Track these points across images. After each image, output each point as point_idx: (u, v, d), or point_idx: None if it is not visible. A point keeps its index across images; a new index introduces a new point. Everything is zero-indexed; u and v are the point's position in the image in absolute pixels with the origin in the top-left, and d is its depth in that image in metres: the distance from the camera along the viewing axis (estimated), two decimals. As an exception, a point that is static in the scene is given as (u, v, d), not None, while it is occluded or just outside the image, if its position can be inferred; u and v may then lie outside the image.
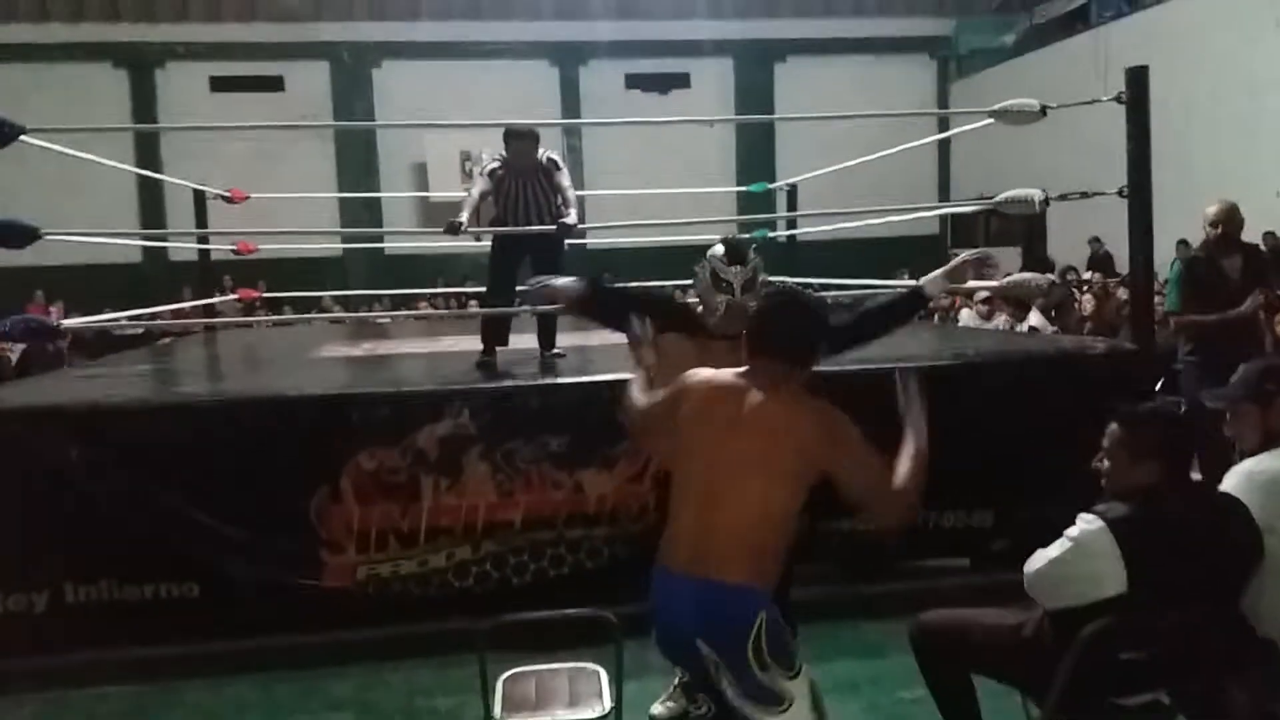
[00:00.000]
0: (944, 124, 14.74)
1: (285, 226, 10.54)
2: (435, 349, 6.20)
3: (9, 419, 3.99)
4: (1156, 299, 5.26)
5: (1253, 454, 2.46)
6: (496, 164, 4.84)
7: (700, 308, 3.12)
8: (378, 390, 4.25)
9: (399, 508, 4.06)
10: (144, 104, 15.94)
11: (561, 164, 4.88)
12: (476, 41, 16.43)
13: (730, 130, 17.25)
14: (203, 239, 7.72)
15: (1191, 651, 2.23)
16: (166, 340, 8.96)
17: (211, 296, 7.93)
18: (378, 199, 15.67)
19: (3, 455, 3.86)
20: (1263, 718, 2.43)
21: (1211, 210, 4.58)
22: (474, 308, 11.66)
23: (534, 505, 4.11)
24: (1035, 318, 9.29)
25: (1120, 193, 4.36)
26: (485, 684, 2.40)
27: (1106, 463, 2.35)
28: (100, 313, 6.82)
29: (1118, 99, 4.36)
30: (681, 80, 17.31)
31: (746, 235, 9.01)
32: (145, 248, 13.69)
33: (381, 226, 15.43)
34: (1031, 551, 4.36)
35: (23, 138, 4.28)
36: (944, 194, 17.60)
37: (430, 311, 11.05)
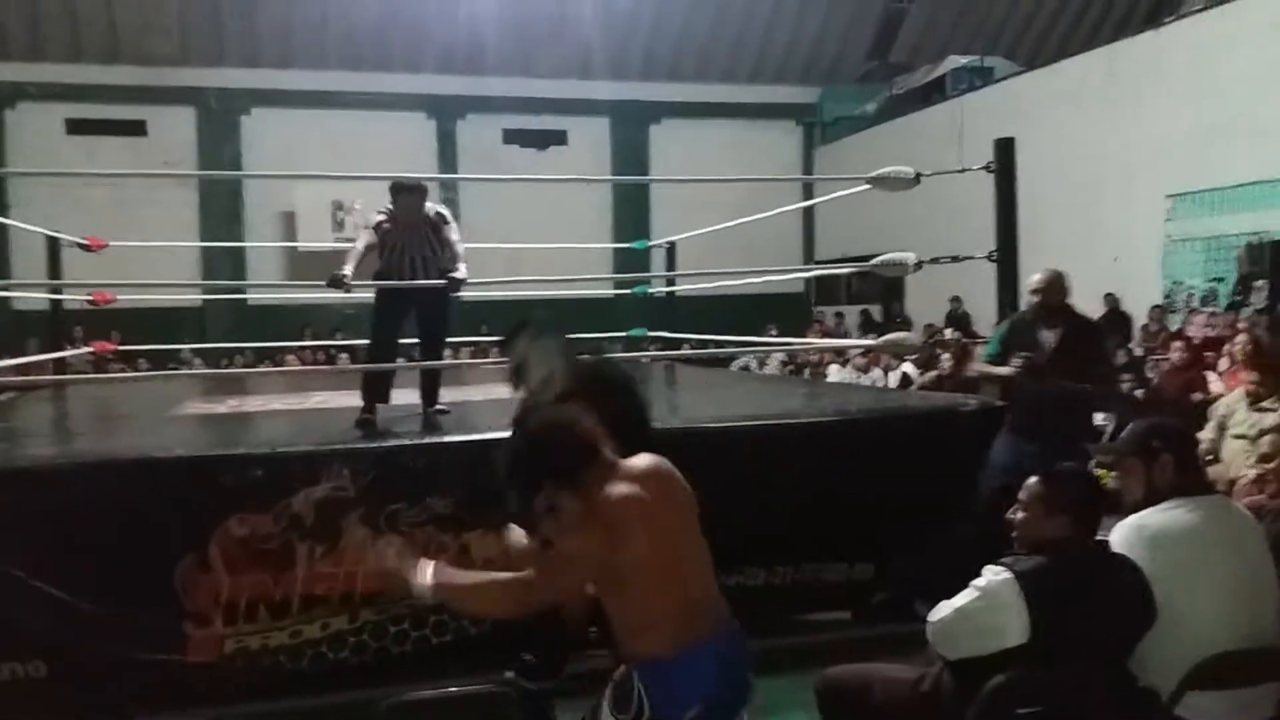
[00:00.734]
0: (809, 188, 15.33)
1: (144, 275, 10.11)
2: (307, 405, 5.96)
3: None
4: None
5: (1137, 508, 2.57)
6: (383, 217, 4.72)
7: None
8: (251, 451, 4.02)
9: (271, 576, 3.83)
10: (-11, 143, 15.06)
11: (450, 218, 4.81)
12: (351, 92, 16.19)
13: (607, 188, 17.47)
14: (56, 289, 7.27)
15: (1083, 706, 2.30)
16: (7, 396, 8.37)
17: (61, 349, 7.46)
18: (241, 249, 15.14)
19: None
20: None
21: (1034, 278, 4.58)
22: (345, 361, 11.37)
23: (417, 569, 3.95)
24: (908, 366, 9.68)
25: (990, 256, 4.59)
26: None
27: (1021, 514, 2.43)
28: (-66, 366, 6.32)
29: (986, 168, 4.60)
30: (559, 137, 17.47)
31: (629, 290, 9.10)
32: (-14, 297, 12.81)
33: (245, 276, 14.94)
34: (910, 603, 4.51)
35: None
36: (809, 254, 18.22)
37: (301, 368, 10.65)
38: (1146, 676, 2.43)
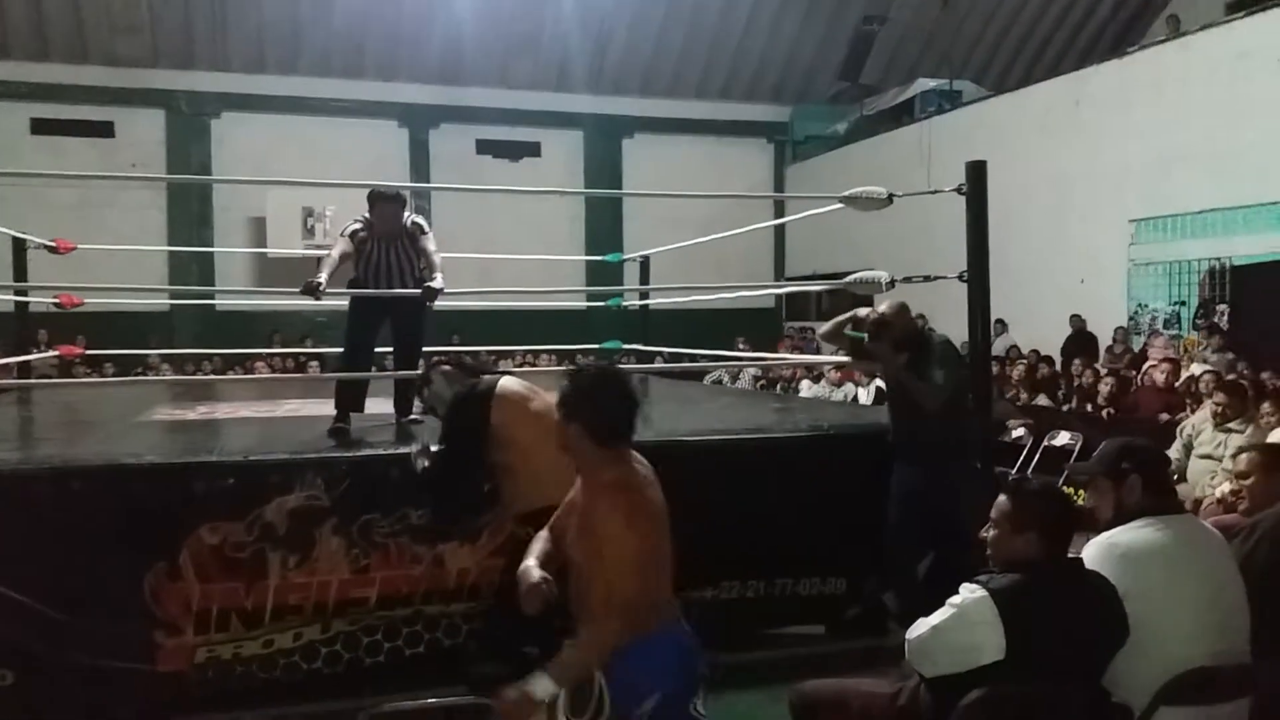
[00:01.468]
0: (780, 205, 15.44)
1: (110, 278, 9.98)
2: (277, 413, 5.91)
3: None
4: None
5: (1108, 526, 2.62)
6: (359, 225, 4.71)
7: None
8: (224, 459, 3.98)
9: (243, 585, 3.81)
10: (-49, 143, 14.78)
11: (427, 228, 4.80)
12: (323, 98, 16.11)
13: (579, 200, 17.49)
14: (22, 291, 7.15)
15: (1057, 720, 2.34)
16: (-31, 399, 8.23)
17: (26, 352, 7.34)
18: (210, 253, 14.98)
19: None
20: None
21: (880, 309, 4.53)
22: (314, 369, 11.28)
23: (391, 581, 3.94)
24: (880, 382, 9.74)
25: (960, 277, 4.66)
26: None
27: (992, 532, 2.47)
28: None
29: (959, 190, 4.67)
30: (533, 149, 17.48)
31: (602, 303, 9.12)
32: (-54, 297, 12.57)
33: (213, 281, 14.78)
34: (882, 618, 4.56)
35: None
36: (779, 270, 18.35)
37: (270, 376, 10.54)
38: (1119, 692, 2.47)
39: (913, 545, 4.38)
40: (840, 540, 4.54)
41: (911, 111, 16.17)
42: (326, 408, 4.83)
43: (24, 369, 7.22)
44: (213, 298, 14.22)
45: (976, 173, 4.71)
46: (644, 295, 8.70)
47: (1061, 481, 3.21)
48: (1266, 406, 5.59)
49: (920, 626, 2.42)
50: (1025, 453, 7.88)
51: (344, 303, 4.96)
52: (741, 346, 13.74)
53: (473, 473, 3.51)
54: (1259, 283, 9.90)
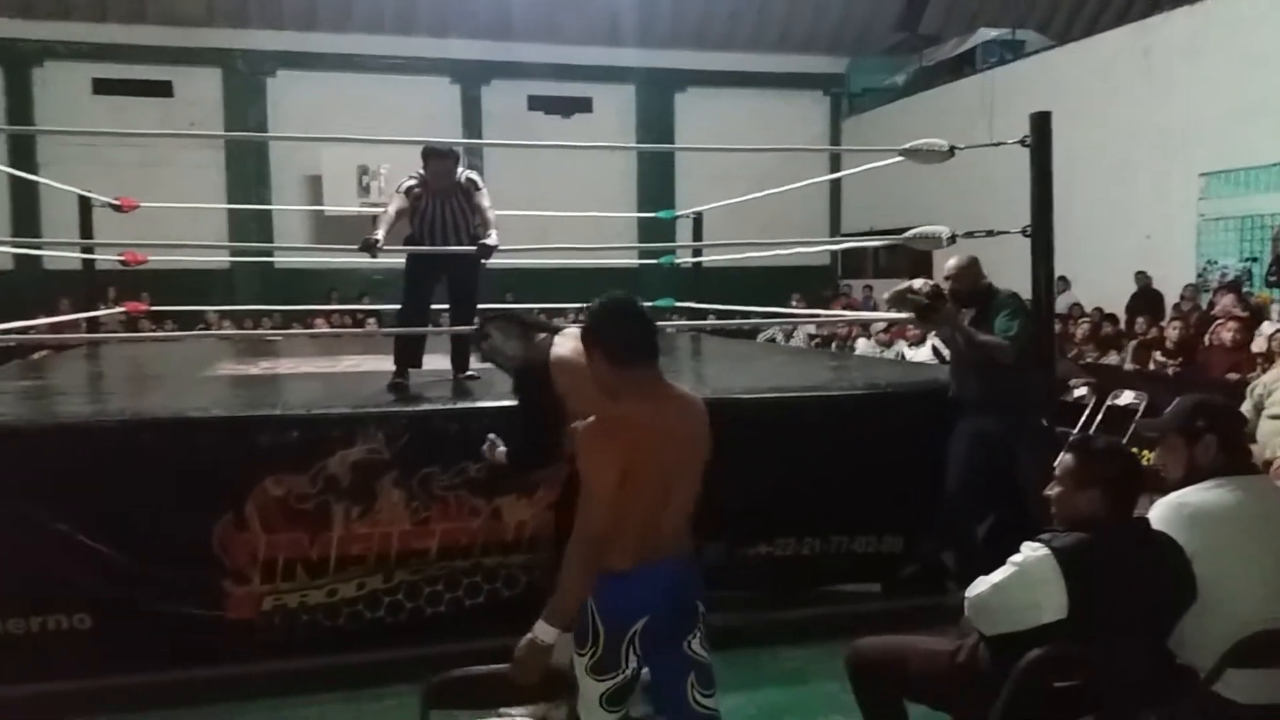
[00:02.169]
0: (836, 159, 15.19)
1: (171, 236, 10.16)
2: (338, 369, 6.01)
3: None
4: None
5: (1177, 486, 2.56)
6: (414, 182, 4.73)
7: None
8: (288, 413, 4.07)
9: (308, 536, 3.90)
10: (20, 104, 15.10)
11: (481, 184, 4.80)
12: (376, 55, 16.15)
13: (631, 157, 17.38)
14: (89, 249, 7.32)
15: (1120, 681, 2.31)
16: (43, 354, 8.47)
17: (95, 308, 7.53)
18: (268, 212, 15.18)
19: None
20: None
21: (949, 263, 4.53)
22: (372, 325, 11.43)
23: (450, 533, 4.01)
24: (927, 351, 9.63)
25: (1024, 232, 4.55)
26: None
27: (1055, 489, 2.43)
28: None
29: (1022, 142, 4.55)
30: (584, 104, 17.37)
31: (654, 260, 9.09)
32: (17, 255, 12.91)
33: (272, 239, 14.98)
34: (939, 577, 4.54)
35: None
36: (835, 226, 18.10)
37: (330, 330, 10.71)
38: (1185, 654, 2.44)
39: (973, 503, 4.34)
40: (897, 498, 4.52)
41: (973, 62, 15.75)
42: (385, 364, 4.90)
43: (92, 324, 7.41)
44: (272, 255, 14.41)
45: (1041, 124, 4.57)
46: (697, 252, 8.64)
47: (1129, 440, 3.14)
48: (1342, 365, 5.42)
49: (980, 584, 2.40)
50: (1088, 412, 7.73)
51: (400, 260, 5.00)
52: (795, 304, 13.65)
53: (545, 432, 3.46)
54: (1336, 238, 9.56)
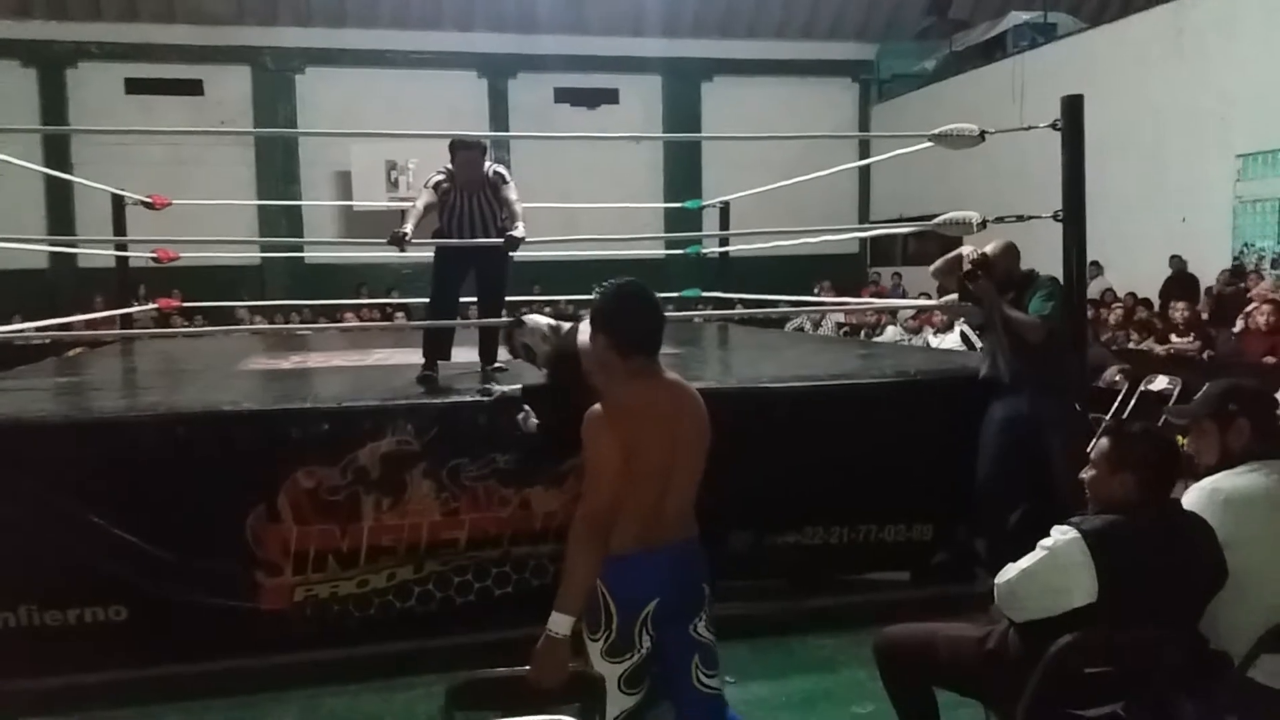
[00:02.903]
0: (865, 147, 15.04)
1: (202, 233, 10.27)
2: (367, 362, 6.06)
3: (-81, 434, 3.77)
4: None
5: (1210, 471, 2.53)
6: (441, 176, 4.74)
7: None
8: (318, 406, 4.11)
9: (338, 527, 3.94)
10: (54, 104, 15.32)
11: (508, 177, 4.81)
12: (403, 50, 16.24)
13: (658, 147, 17.35)
14: (122, 245, 7.42)
15: (1150, 666, 2.29)
16: (78, 351, 8.60)
17: (128, 305, 7.64)
18: (298, 208, 15.32)
19: (-87, 473, 3.64)
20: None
21: (986, 248, 4.49)
22: (401, 319, 11.51)
23: (479, 523, 4.03)
24: (954, 338, 9.56)
25: (1055, 216, 4.49)
26: None
27: (1090, 472, 2.40)
28: (4, 322, 6.49)
29: (1054, 126, 4.49)
30: (610, 96, 17.36)
31: (681, 250, 9.08)
32: (53, 254, 13.12)
33: (301, 235, 15.13)
34: (969, 565, 4.51)
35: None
36: (863, 214, 17.97)
37: (361, 324, 10.79)
38: (1218, 640, 2.41)
39: (1005, 488, 4.30)
40: (926, 486, 4.49)
41: (1003, 46, 15.56)
42: (414, 356, 4.93)
43: (126, 321, 7.51)
44: (302, 250, 14.54)
45: (1073, 107, 4.51)
46: (724, 242, 8.62)
47: (1160, 426, 3.09)
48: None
49: (1010, 570, 2.38)
50: (1121, 398, 7.64)
51: (429, 254, 5.02)
52: (817, 292, 13.57)
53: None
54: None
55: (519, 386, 4.00)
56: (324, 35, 16.10)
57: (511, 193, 4.77)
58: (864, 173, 16.96)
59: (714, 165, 16.70)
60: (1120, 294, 11.24)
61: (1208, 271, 10.98)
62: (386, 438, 3.97)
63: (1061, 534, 2.28)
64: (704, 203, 9.40)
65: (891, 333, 10.66)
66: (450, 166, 4.74)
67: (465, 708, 2.19)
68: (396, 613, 4.01)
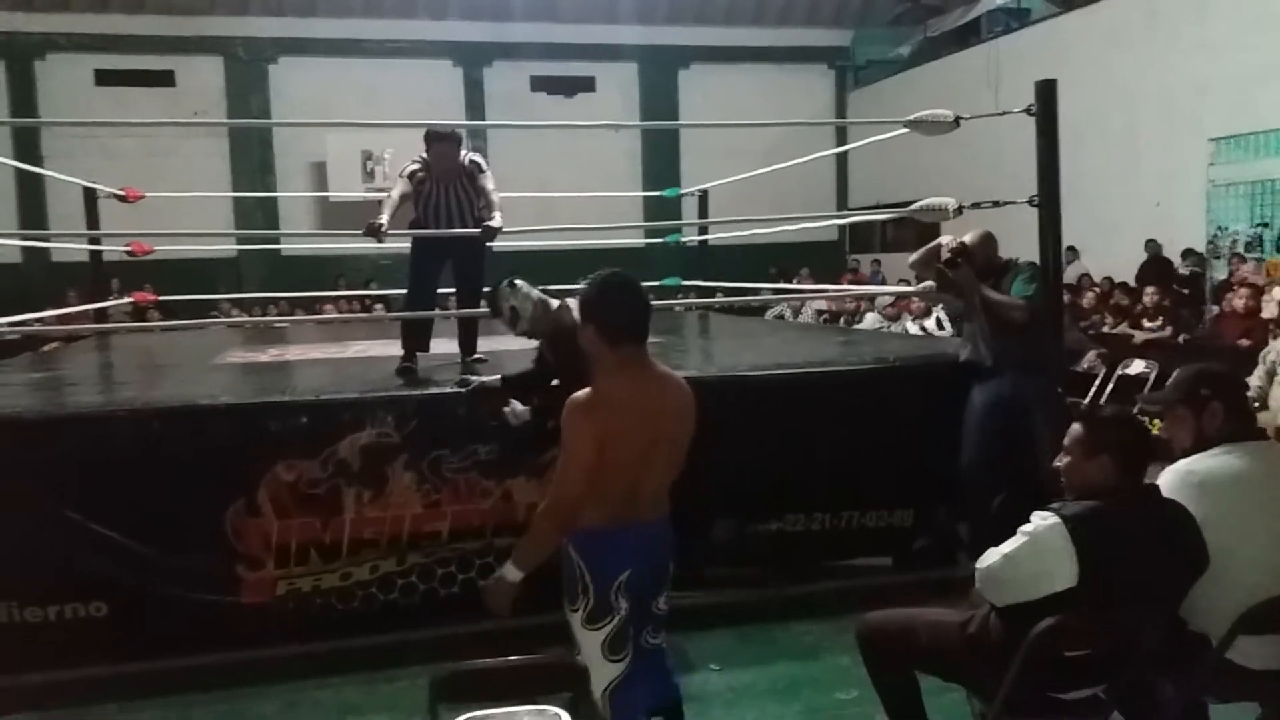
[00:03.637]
0: (842, 133, 15.06)
1: (176, 226, 10.16)
2: (346, 354, 6.03)
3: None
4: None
5: (1186, 455, 2.55)
6: (417, 166, 4.72)
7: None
8: (297, 399, 4.08)
9: (319, 520, 3.93)
10: (22, 97, 15.11)
11: (485, 166, 4.79)
12: (377, 39, 16.10)
13: (635, 135, 17.31)
14: (95, 239, 7.33)
15: (1132, 649, 2.31)
16: (52, 346, 8.50)
17: (103, 300, 7.55)
18: (274, 199, 15.18)
19: (-114, 471, 3.59)
20: (1190, 710, 2.55)
21: (964, 238, 4.52)
22: (380, 311, 11.44)
23: (462, 515, 4.03)
24: (930, 322, 9.62)
25: (1031, 202, 4.51)
26: None
27: (1064, 459, 2.42)
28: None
29: (1028, 111, 4.51)
30: (587, 84, 17.29)
31: (661, 239, 9.06)
32: (25, 248, 12.95)
33: (277, 226, 14.99)
34: (951, 550, 4.54)
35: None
36: (842, 201, 18.01)
37: (338, 315, 10.72)
38: (1196, 621, 2.44)
39: (989, 473, 4.33)
40: (907, 472, 4.51)
41: (978, 31, 15.62)
42: (393, 348, 4.91)
43: (100, 315, 7.43)
44: (278, 242, 14.42)
45: (1046, 92, 4.52)
46: (703, 230, 8.60)
47: (1135, 412, 3.13)
48: (1354, 330, 5.40)
49: (991, 554, 2.39)
50: (1098, 382, 7.71)
51: (406, 245, 4.99)
52: (802, 275, 13.60)
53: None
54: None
55: (498, 377, 3.99)
56: (296, 24, 15.94)
57: (488, 182, 4.75)
58: (841, 160, 17.00)
59: (692, 153, 16.68)
60: (1097, 279, 11.33)
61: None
62: (366, 430, 3.95)
63: (1042, 519, 2.30)
64: (682, 191, 9.38)
65: (871, 320, 10.69)
66: (426, 156, 4.71)
67: (450, 699, 2.19)
68: (380, 605, 4.00)
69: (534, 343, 3.92)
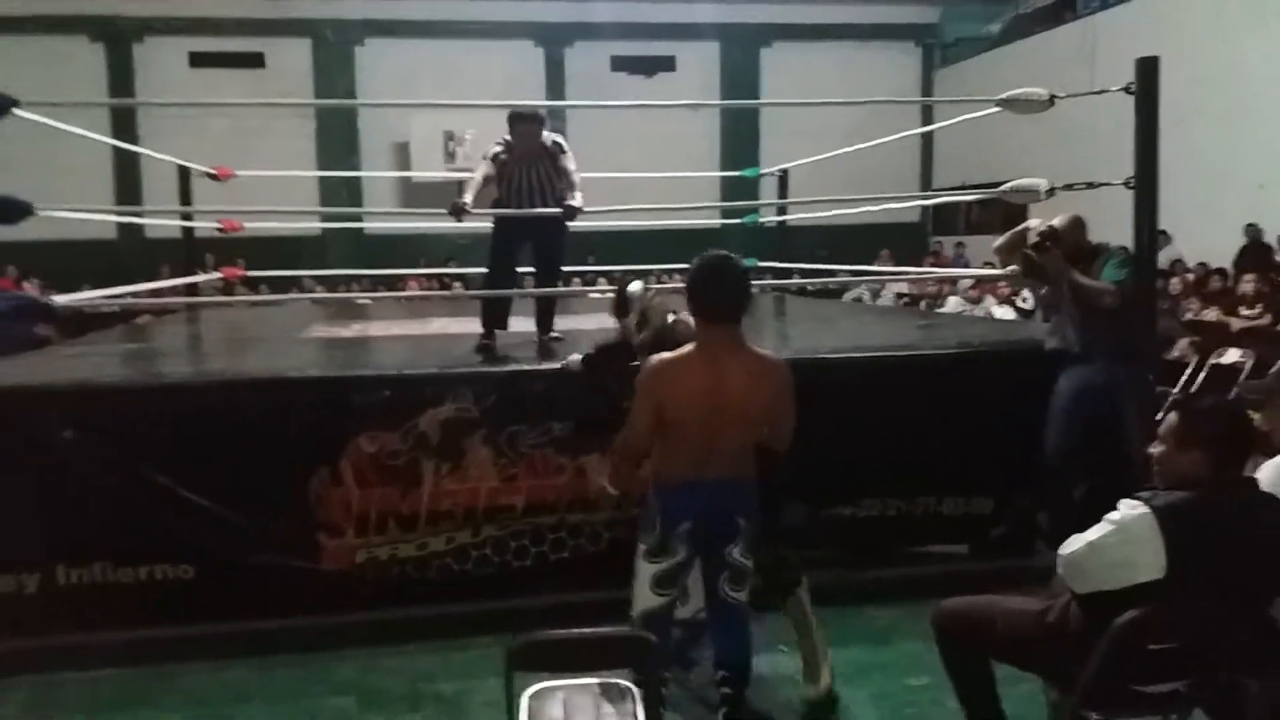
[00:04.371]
0: (928, 112, 14.70)
1: (264, 204, 10.40)
2: (427, 331, 6.14)
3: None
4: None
5: (1288, 446, 2.46)
6: (500, 148, 4.76)
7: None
8: (380, 373, 4.18)
9: (399, 491, 4.01)
10: (121, 79, 15.64)
11: (566, 147, 4.81)
12: (461, 21, 16.25)
13: (715, 115, 17.18)
14: (188, 216, 7.57)
15: (1218, 646, 2.23)
16: (145, 318, 8.83)
17: (194, 274, 7.80)
18: (358, 179, 15.48)
19: (-6, 435, 3.77)
20: (1276, 708, 2.45)
21: (1054, 222, 4.38)
22: (458, 289, 11.60)
23: (537, 489, 4.08)
24: (1009, 309, 9.37)
25: (1126, 184, 4.36)
26: (511, 704, 2.25)
27: (1158, 448, 2.34)
28: (74, 290, 6.67)
29: (1126, 89, 4.34)
30: (667, 63, 17.21)
31: (738, 219, 8.99)
32: (121, 224, 13.44)
33: (361, 206, 15.27)
34: (1029, 539, 4.43)
35: (14, 110, 4.16)
36: (926, 181, 17.64)
37: (420, 293, 10.91)
38: (1287, 622, 2.34)
39: (1073, 459, 4.22)
40: (987, 459, 4.42)
41: (1073, 7, 15.10)
42: (473, 326, 4.98)
43: (191, 290, 7.68)
44: (362, 220, 14.70)
45: (1147, 70, 4.35)
46: (782, 210, 8.51)
47: (1233, 400, 3.00)
48: None
49: (1075, 542, 2.33)
50: (1190, 371, 7.44)
51: (486, 225, 5.05)
52: (884, 257, 13.35)
53: None
54: None
55: (579, 357, 4.00)
56: (383, 6, 16.17)
57: (569, 163, 4.77)
58: (927, 141, 16.64)
59: (772, 133, 16.49)
60: (1191, 264, 10.91)
61: (1286, 241, 10.60)
62: (446, 404, 4.02)
63: (1131, 508, 2.23)
64: (762, 171, 9.28)
65: (953, 303, 10.48)
66: (509, 138, 4.75)
67: (524, 668, 2.23)
68: (454, 575, 4.07)
69: (612, 321, 3.93)
